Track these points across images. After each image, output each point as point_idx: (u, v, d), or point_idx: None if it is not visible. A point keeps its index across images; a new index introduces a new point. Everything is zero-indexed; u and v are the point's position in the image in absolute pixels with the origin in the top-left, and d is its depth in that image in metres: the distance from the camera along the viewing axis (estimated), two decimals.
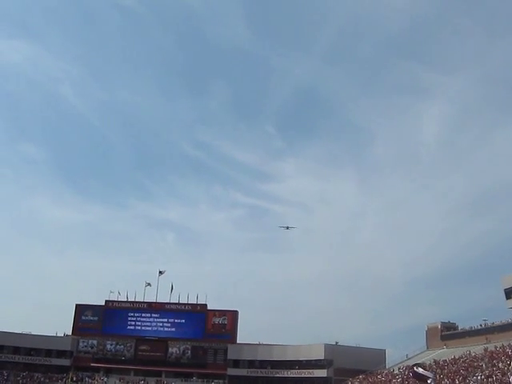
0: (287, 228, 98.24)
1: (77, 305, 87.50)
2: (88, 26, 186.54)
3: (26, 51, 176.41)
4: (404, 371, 65.45)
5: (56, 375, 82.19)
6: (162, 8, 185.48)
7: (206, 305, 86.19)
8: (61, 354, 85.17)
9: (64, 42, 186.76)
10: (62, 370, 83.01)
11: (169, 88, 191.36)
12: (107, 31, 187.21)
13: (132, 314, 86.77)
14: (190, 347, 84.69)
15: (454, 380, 52.74)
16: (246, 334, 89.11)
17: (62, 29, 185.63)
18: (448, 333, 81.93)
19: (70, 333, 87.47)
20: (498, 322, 72.20)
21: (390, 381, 65.40)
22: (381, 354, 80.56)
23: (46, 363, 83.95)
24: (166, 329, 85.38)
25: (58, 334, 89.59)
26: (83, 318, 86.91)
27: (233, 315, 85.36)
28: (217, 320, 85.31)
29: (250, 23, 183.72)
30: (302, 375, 79.26)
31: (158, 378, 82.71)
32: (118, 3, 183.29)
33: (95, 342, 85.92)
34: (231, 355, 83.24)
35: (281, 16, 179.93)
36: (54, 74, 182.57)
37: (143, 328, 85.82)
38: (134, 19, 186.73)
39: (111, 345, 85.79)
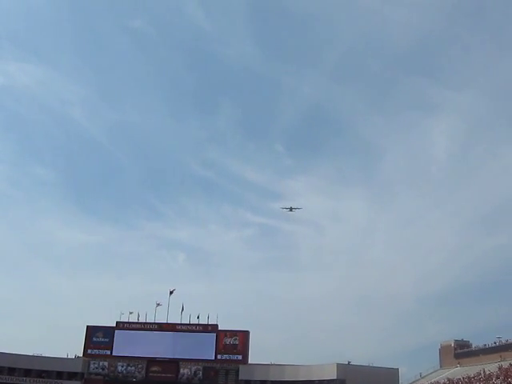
0: (290, 210, 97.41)
1: (88, 326, 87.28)
2: (98, 48, 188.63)
3: (36, 74, 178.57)
4: None
5: None
6: (171, 29, 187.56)
7: (217, 325, 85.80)
8: (72, 375, 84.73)
9: (74, 65, 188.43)
10: None
11: (178, 108, 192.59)
12: (117, 53, 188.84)
13: (143, 335, 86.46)
14: (201, 368, 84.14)
15: None
16: (258, 354, 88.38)
17: (73, 51, 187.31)
18: (461, 351, 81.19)
19: (80, 354, 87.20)
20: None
21: None
22: (394, 373, 79.59)
23: None
24: (177, 350, 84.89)
25: (69, 356, 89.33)
26: (94, 339, 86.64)
27: (244, 335, 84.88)
28: (228, 340, 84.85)
29: (259, 43, 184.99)
30: None
31: None
32: (127, 25, 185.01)
33: (106, 363, 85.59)
34: (243, 376, 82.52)
35: (289, 34, 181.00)
36: (64, 97, 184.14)
37: (154, 349, 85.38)
38: (143, 41, 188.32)
39: (122, 366, 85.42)
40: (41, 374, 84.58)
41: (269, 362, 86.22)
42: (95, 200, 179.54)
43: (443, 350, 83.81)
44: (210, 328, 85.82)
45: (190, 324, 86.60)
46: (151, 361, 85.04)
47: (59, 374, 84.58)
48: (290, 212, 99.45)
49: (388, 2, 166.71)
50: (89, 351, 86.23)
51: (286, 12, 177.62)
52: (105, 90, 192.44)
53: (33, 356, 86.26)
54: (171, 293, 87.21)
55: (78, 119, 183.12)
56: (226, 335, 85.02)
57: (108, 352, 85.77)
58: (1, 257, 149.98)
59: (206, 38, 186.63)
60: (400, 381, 78.83)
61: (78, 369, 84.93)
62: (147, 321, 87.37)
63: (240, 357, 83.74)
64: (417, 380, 76.24)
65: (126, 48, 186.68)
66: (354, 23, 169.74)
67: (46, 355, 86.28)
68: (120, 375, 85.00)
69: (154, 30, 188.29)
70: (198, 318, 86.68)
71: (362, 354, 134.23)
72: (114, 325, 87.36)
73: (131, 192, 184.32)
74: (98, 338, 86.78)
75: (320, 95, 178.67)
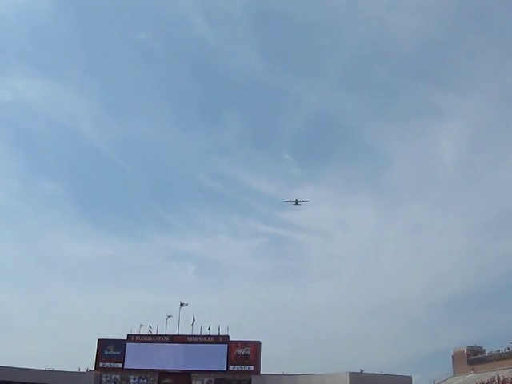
0: (296, 203, 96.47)
1: (99, 340, 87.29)
2: (104, 62, 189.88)
3: (43, 89, 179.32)
4: None
5: None
6: (176, 41, 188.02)
7: (228, 336, 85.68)
8: None
9: (81, 79, 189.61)
10: None
11: (184, 119, 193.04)
12: (122, 66, 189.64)
13: (154, 348, 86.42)
14: (213, 380, 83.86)
15: None
16: (270, 364, 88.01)
17: (79, 66, 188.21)
18: (475, 357, 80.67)
19: (92, 368, 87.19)
20: None
21: None
22: (407, 381, 78.85)
23: None
24: (188, 361, 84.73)
25: (81, 370, 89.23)
26: (106, 352, 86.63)
27: (255, 346, 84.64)
28: (239, 351, 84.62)
29: (264, 52, 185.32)
30: None
31: None
32: (133, 38, 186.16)
33: (118, 376, 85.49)
34: None
35: (294, 44, 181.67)
36: (71, 111, 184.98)
37: (166, 361, 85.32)
38: (149, 53, 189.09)
39: (134, 379, 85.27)
40: None
41: (281, 372, 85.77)
42: (104, 213, 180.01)
43: (456, 357, 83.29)
44: (221, 339, 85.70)
45: (201, 335, 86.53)
46: (163, 373, 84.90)
47: None
48: (296, 205, 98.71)
49: (391, 8, 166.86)
50: (100, 365, 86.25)
51: (290, 21, 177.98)
52: (112, 103, 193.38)
53: (44, 370, 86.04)
54: (182, 305, 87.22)
55: (86, 133, 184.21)
56: (237, 346, 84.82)
57: (120, 365, 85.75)
58: (11, 271, 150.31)
59: (211, 49, 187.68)
60: None
61: (90, 383, 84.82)
62: (158, 333, 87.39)
63: (252, 367, 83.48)
64: None
65: (132, 61, 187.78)
66: (358, 30, 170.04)
67: (58, 369, 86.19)
68: None
69: (160, 42, 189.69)
70: (209, 329, 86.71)
71: (375, 363, 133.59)
72: (126, 338, 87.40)
73: (140, 204, 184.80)
74: (109, 351, 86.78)
75: (326, 103, 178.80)
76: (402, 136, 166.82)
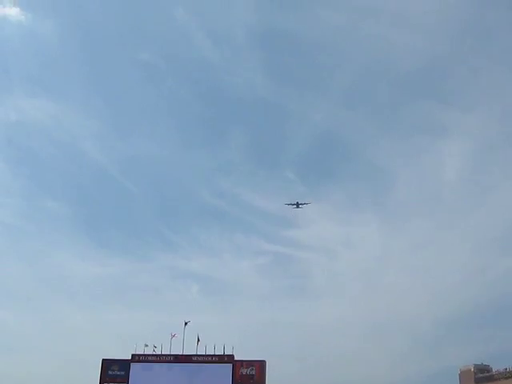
0: (297, 206, 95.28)
1: (103, 359, 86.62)
2: (108, 81, 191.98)
3: (48, 109, 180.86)
4: None
5: None
6: (180, 60, 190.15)
7: (232, 355, 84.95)
8: None
9: (85, 99, 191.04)
10: None
11: (188, 138, 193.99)
12: (126, 85, 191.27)
13: (159, 367, 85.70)
14: None
15: None
16: (275, 383, 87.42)
17: (83, 86, 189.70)
18: (482, 375, 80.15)
19: None
20: None
21: None
22: None
23: None
24: (193, 381, 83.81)
25: None
26: (110, 372, 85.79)
27: (261, 365, 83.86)
28: (245, 371, 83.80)
29: (267, 71, 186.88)
30: None
31: None
32: (137, 58, 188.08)
33: None
34: None
35: (297, 63, 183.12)
36: (75, 131, 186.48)
37: (171, 381, 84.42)
38: (153, 73, 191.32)
39: None
40: None
41: None
42: (108, 232, 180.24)
43: (463, 375, 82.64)
44: (226, 359, 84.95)
45: (205, 355, 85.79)
46: None
47: None
48: (297, 209, 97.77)
49: (393, 27, 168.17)
50: None
51: (293, 41, 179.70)
52: (116, 122, 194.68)
53: None
54: (186, 324, 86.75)
55: (90, 152, 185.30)
56: (242, 365, 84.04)
57: None
58: (14, 291, 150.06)
59: (214, 67, 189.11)
60: None
61: None
62: (163, 353, 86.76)
63: None
64: None
65: (136, 80, 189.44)
66: (361, 49, 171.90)
67: None
68: None
69: (163, 61, 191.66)
70: (214, 348, 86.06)
71: (380, 380, 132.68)
72: (130, 357, 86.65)
73: (144, 223, 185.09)
74: (113, 371, 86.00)
75: (329, 121, 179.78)
76: (406, 153, 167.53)
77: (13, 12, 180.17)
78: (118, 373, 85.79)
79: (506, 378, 73.46)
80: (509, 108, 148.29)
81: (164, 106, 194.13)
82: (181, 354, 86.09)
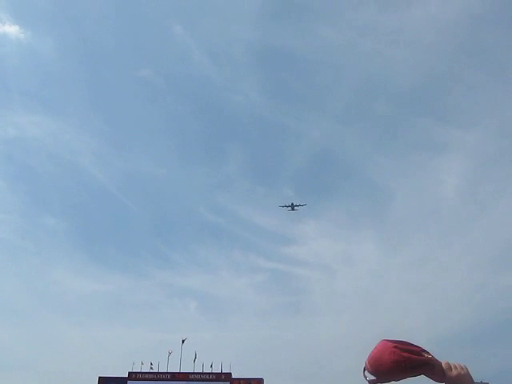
0: (292, 209, 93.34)
1: (100, 377, 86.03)
2: (107, 98, 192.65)
3: (46, 126, 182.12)
4: None
5: None
6: (178, 78, 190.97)
7: (230, 373, 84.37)
8: None
9: (84, 115, 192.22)
10: None
11: (187, 155, 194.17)
12: (125, 102, 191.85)
13: None
14: None
15: None
16: None
17: (82, 102, 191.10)
18: None
19: None
20: None
21: None
22: None
23: None
24: None
25: None
26: None
27: (258, 383, 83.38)
28: None
29: (265, 89, 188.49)
30: None
31: None
32: (136, 75, 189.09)
33: None
34: None
35: (295, 80, 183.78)
36: (74, 147, 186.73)
37: None
38: (152, 90, 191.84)
39: None
40: None
41: None
42: (106, 249, 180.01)
43: None
44: (224, 376, 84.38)
45: (202, 373, 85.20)
46: None
47: None
48: (293, 211, 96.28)
49: (391, 45, 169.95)
50: None
51: (291, 59, 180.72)
52: (114, 139, 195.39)
53: None
54: (183, 342, 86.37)
55: (88, 169, 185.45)
56: (239, 383, 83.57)
57: None
58: (11, 307, 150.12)
59: (213, 85, 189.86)
60: None
61: None
62: (160, 370, 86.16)
63: None
64: None
65: (134, 97, 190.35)
66: (358, 66, 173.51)
67: None
68: None
69: (162, 78, 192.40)
70: (211, 366, 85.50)
71: None
72: (127, 375, 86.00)
73: (141, 240, 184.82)
74: None
75: (327, 138, 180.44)
76: (404, 170, 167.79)
77: (12, 30, 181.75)
78: None
79: None
80: (507, 125, 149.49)
81: (163, 123, 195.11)
82: (178, 371, 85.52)
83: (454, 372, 3.99)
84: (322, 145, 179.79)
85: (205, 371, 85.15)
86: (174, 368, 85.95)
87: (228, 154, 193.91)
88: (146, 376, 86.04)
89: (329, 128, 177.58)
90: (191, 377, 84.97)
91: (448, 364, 4.04)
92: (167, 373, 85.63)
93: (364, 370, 4.23)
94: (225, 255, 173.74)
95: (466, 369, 4.04)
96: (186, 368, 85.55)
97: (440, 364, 4.04)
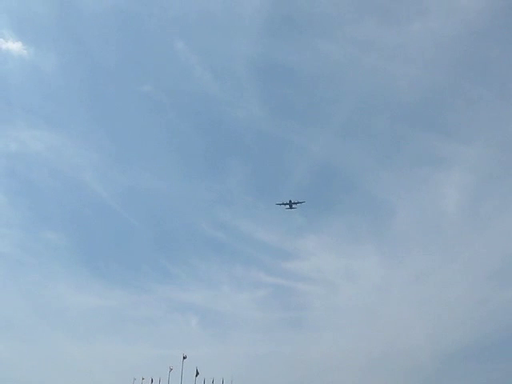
0: (290, 207, 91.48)
1: None
2: (108, 113, 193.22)
3: (48, 140, 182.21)
4: None
5: None
6: (180, 93, 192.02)
7: None
8: None
9: (86, 130, 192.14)
10: None
11: (188, 170, 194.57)
12: (127, 118, 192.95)
13: None
14: None
15: None
16: None
17: (84, 117, 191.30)
18: None
19: None
20: None
21: None
22: None
23: None
24: None
25: None
26: None
27: None
28: None
29: (266, 104, 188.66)
30: None
31: None
32: (138, 90, 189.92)
33: None
34: None
35: (296, 95, 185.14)
36: (76, 162, 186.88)
37: None
38: (154, 105, 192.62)
39: None
40: None
41: None
42: (107, 264, 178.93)
43: None
44: None
45: None
46: None
47: None
48: (291, 209, 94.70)
49: (391, 60, 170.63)
50: None
51: (293, 74, 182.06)
52: (117, 154, 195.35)
53: None
54: (184, 358, 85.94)
55: (89, 183, 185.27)
56: None
57: None
58: (12, 323, 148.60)
59: (214, 100, 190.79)
60: None
61: None
62: None
63: None
64: None
65: (136, 112, 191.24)
66: (360, 81, 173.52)
67: None
68: None
69: (164, 94, 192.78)
70: (212, 382, 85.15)
71: None
72: None
73: (143, 255, 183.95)
74: None
75: (329, 153, 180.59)
76: (405, 185, 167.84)
77: (15, 46, 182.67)
78: None
79: None
80: (507, 139, 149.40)
81: (164, 138, 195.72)
82: None
83: None
84: (323, 159, 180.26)
85: None
86: None
87: (230, 169, 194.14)
88: None
89: (330, 143, 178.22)
90: None
91: None
92: None
93: None
94: (226, 270, 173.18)
95: None
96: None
97: None
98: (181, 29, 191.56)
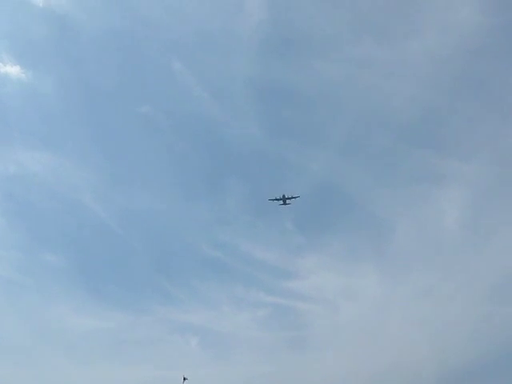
0: (284, 202, 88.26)
1: None
2: (107, 134, 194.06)
3: (47, 162, 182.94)
4: None
5: None
6: (178, 113, 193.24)
7: None
8: None
9: (85, 151, 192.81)
10: None
11: (187, 190, 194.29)
12: (126, 138, 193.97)
13: None
14: None
15: None
16: None
17: (82, 139, 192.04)
18: None
19: None
20: None
21: None
22: None
23: None
24: None
25: None
26: None
27: None
28: None
29: (264, 123, 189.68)
30: None
31: None
32: (136, 111, 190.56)
33: None
34: None
35: (294, 114, 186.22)
36: (75, 183, 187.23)
37: None
38: (152, 125, 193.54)
39: None
40: None
41: None
42: (106, 285, 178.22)
43: None
44: None
45: None
46: None
47: None
48: (285, 205, 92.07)
49: (389, 78, 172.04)
50: None
51: (291, 92, 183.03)
52: (116, 175, 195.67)
53: None
54: (185, 379, 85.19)
55: (89, 205, 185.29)
56: None
57: None
58: (11, 344, 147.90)
59: (213, 120, 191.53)
60: None
61: None
62: None
63: None
64: None
65: (135, 133, 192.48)
66: (357, 100, 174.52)
67: None
68: None
69: (163, 114, 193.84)
70: None
71: None
72: None
73: (142, 276, 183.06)
74: None
75: (328, 172, 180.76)
76: (405, 202, 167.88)
77: (14, 70, 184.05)
78: None
79: None
80: (505, 156, 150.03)
81: (163, 158, 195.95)
82: None
83: None
84: (322, 178, 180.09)
85: None
86: None
87: (229, 189, 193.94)
88: None
89: (329, 161, 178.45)
90: None
91: None
92: None
93: None
94: (226, 290, 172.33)
95: None
96: None
97: None
98: (178, 50, 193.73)
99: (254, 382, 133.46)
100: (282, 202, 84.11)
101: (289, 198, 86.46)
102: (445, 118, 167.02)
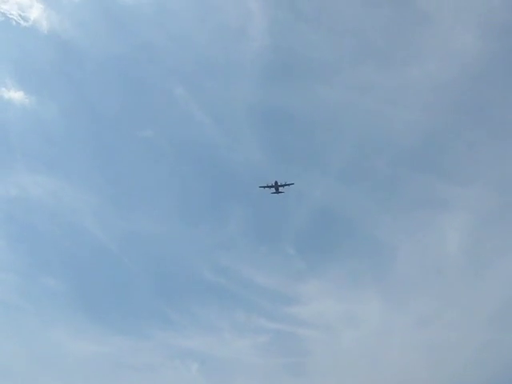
0: (277, 190, 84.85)
1: None
2: (108, 158, 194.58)
3: (48, 185, 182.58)
4: None
5: None
6: (180, 138, 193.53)
7: None
8: None
9: (86, 175, 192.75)
10: None
11: (188, 215, 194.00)
12: (127, 162, 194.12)
13: None
14: None
15: None
16: None
17: (84, 162, 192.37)
18: None
19: None
20: None
21: None
22: None
23: None
24: None
25: None
26: None
27: None
28: None
29: (266, 148, 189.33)
30: None
31: None
32: (138, 135, 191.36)
33: None
34: None
35: (294, 139, 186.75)
36: (76, 207, 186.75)
37: None
38: (153, 150, 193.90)
39: None
40: None
41: None
42: (106, 310, 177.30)
43: None
44: None
45: None
46: None
47: None
48: (277, 194, 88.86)
49: (389, 103, 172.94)
50: None
51: (292, 119, 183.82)
52: (117, 199, 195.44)
53: None
54: None
55: (90, 229, 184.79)
56: None
57: None
58: (9, 369, 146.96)
59: (214, 145, 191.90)
60: None
61: None
62: None
63: None
64: None
65: (136, 157, 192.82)
66: (358, 125, 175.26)
67: None
68: None
69: (164, 139, 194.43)
70: None
71: None
72: None
73: (142, 300, 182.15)
74: None
75: (329, 197, 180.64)
76: (406, 228, 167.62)
77: (17, 96, 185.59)
78: None
79: None
80: (507, 180, 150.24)
81: (164, 182, 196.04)
82: None
83: None
84: (323, 203, 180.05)
85: None
86: None
87: (230, 214, 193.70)
88: None
89: (330, 187, 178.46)
90: None
91: None
92: None
93: None
94: (227, 316, 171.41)
95: None
96: None
97: None
98: (180, 75, 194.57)
99: None
100: (274, 189, 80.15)
101: (282, 186, 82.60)
102: (446, 143, 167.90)
